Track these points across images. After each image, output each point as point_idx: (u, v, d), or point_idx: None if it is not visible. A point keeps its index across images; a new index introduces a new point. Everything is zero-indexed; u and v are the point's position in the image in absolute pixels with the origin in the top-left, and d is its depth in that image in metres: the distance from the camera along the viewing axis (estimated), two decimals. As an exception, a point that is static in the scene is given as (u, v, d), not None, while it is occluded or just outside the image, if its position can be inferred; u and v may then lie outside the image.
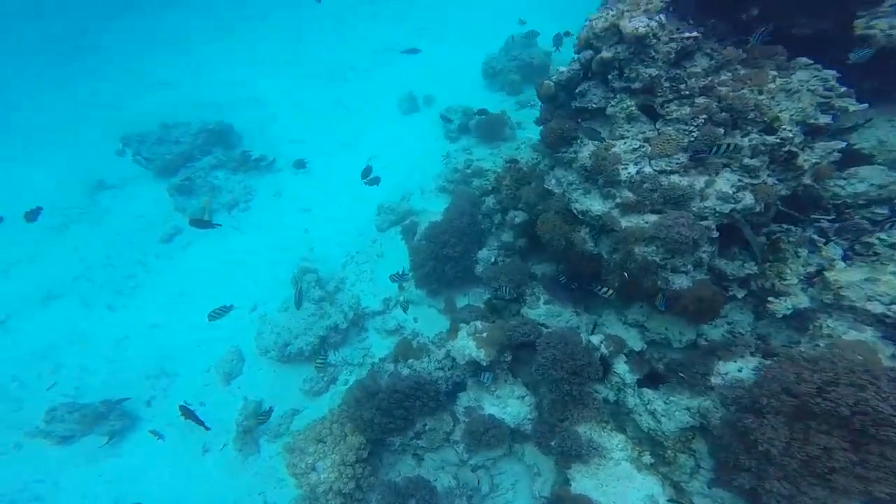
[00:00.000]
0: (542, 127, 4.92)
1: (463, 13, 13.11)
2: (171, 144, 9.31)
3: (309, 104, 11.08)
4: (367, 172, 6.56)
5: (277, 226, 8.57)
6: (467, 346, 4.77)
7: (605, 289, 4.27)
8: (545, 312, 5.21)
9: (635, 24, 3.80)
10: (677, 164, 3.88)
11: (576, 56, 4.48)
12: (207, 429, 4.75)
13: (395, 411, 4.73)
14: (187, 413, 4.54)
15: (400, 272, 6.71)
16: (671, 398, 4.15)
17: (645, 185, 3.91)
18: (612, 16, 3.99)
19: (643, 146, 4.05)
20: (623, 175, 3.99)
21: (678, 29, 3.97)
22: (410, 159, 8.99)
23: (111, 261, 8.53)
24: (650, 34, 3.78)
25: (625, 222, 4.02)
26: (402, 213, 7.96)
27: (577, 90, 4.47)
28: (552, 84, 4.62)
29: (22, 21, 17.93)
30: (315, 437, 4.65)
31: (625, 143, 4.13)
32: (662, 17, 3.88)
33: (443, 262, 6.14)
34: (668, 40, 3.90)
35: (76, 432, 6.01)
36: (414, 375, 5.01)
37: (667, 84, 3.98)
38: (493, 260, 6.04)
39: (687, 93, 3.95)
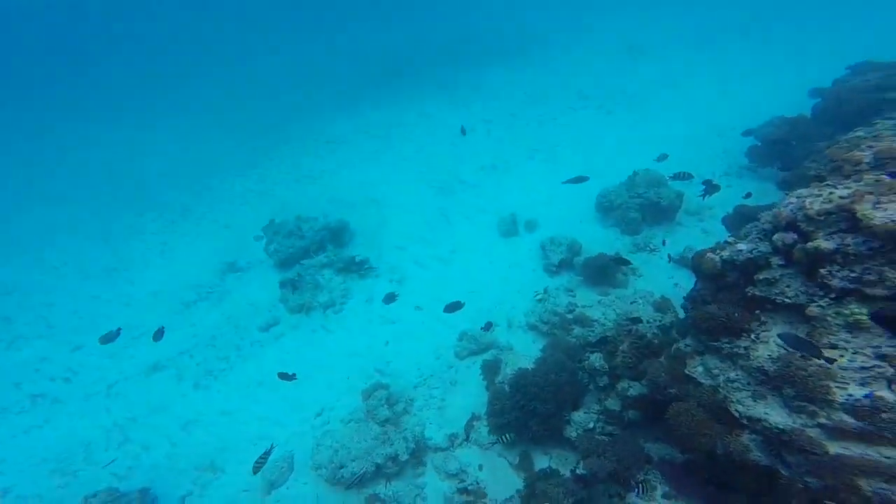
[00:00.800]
0: (691, 304, 3.97)
1: (576, 138, 13.30)
2: (297, 238, 10.49)
3: (417, 210, 11.77)
4: (453, 307, 6.29)
5: (362, 333, 8.54)
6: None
7: None
8: (665, 507, 3.78)
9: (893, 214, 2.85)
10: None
11: (761, 233, 3.60)
12: None
13: None
14: None
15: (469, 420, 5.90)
16: None
17: (884, 416, 2.95)
18: (842, 197, 3.12)
19: (879, 366, 3.02)
20: (839, 396, 3.09)
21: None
22: (501, 286, 8.48)
23: (214, 341, 9.31)
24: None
25: (836, 448, 3.12)
26: (485, 345, 7.31)
27: (759, 276, 3.51)
28: (718, 260, 3.73)
29: (236, 113, 24.10)
30: None
31: (842, 356, 3.11)
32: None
33: (528, 415, 5.29)
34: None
35: (100, 528, 5.86)
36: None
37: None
38: (591, 426, 5.07)
39: None
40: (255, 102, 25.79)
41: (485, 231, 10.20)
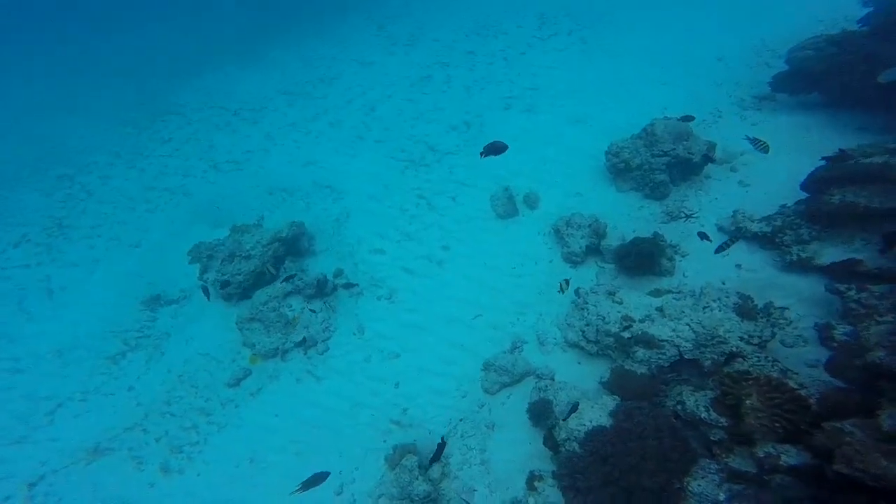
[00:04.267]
0: None
1: (553, 77, 11.17)
2: (243, 260, 8.05)
3: (386, 195, 9.56)
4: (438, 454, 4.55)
5: (361, 375, 6.92)
6: None
7: None
8: None
9: None
10: None
11: None
12: None
13: None
14: None
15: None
16: None
17: None
18: None
19: None
20: None
21: None
22: (517, 289, 7.04)
23: (171, 408, 7.27)
24: None
25: None
26: (518, 375, 6.10)
27: None
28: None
29: (97, 87, 18.14)
30: None
31: None
32: None
33: (627, 493, 4.19)
34: None
35: None
36: None
37: None
38: (720, 497, 4.04)
39: None
40: (125, 58, 19.68)
41: (477, 214, 8.42)
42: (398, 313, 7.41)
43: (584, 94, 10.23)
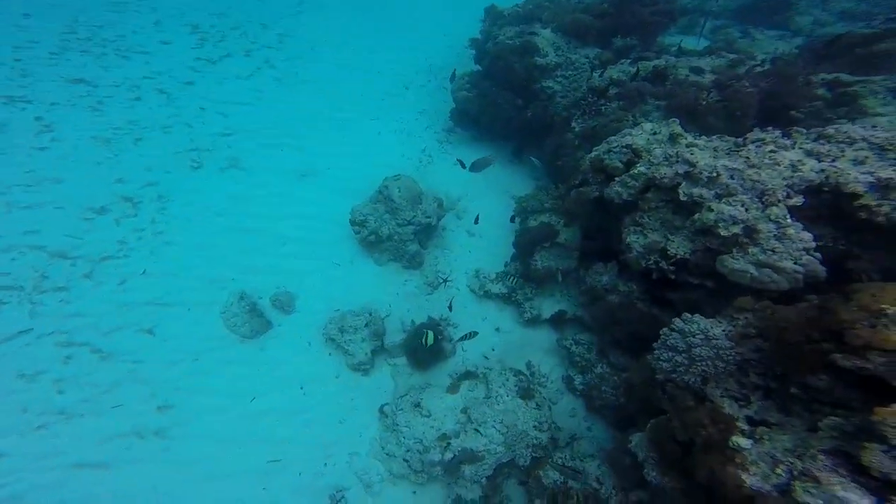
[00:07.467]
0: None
1: (250, 115, 8.64)
2: None
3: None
4: None
5: None
6: None
7: None
8: None
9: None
10: None
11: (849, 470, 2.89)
12: None
13: None
14: None
15: None
16: None
17: None
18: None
19: None
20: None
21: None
22: (309, 425, 5.53)
23: None
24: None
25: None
26: (355, 545, 5.02)
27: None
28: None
29: None
30: None
31: None
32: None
33: None
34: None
35: None
36: None
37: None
38: None
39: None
40: None
41: (207, 343, 5.76)
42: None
43: (297, 138, 8.51)
